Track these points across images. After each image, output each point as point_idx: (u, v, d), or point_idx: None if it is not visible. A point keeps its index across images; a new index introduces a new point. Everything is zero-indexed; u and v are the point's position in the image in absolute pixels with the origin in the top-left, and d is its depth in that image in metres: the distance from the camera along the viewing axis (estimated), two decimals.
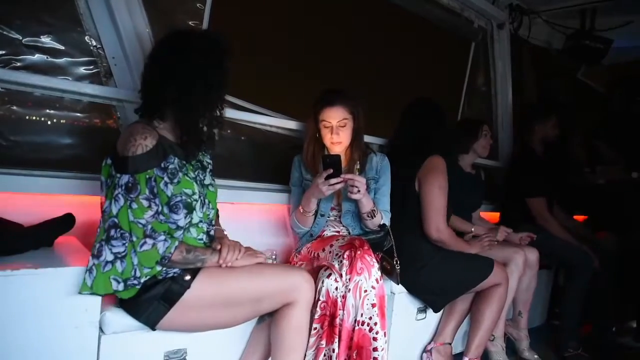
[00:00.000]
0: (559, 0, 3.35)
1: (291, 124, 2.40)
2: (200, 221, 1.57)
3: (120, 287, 1.37)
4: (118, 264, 1.37)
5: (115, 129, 1.93)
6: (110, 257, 1.36)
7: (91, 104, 1.88)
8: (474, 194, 2.83)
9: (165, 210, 1.45)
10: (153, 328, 1.46)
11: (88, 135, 1.89)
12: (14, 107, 1.73)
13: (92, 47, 1.84)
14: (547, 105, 3.25)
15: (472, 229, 2.64)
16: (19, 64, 1.71)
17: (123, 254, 1.38)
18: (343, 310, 1.72)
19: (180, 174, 1.49)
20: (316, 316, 1.71)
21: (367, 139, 2.51)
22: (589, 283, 2.80)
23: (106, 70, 1.88)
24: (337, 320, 1.72)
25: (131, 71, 1.89)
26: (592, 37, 3.42)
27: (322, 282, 1.73)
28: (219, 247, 1.55)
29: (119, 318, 1.44)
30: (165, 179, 1.45)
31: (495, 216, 3.24)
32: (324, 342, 1.71)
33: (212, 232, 1.65)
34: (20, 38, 1.70)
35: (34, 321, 1.30)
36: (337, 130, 2.01)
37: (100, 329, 1.42)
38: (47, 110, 1.80)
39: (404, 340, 2.27)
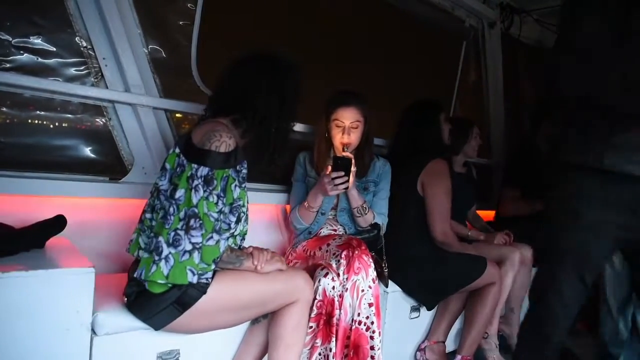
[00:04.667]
0: None
1: None
2: (239, 234, 1.60)
3: (195, 279, 1.36)
4: (195, 254, 1.36)
5: (106, 130, 1.93)
6: (189, 247, 1.35)
7: (82, 105, 1.87)
8: (466, 193, 2.85)
9: (226, 210, 1.47)
10: (157, 329, 1.45)
11: (78, 136, 1.88)
12: (4, 109, 1.71)
13: (82, 48, 1.83)
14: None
15: (469, 234, 2.67)
16: (8, 65, 1.69)
17: (199, 245, 1.37)
18: (340, 309, 1.73)
19: (245, 183, 1.55)
20: (312, 315, 1.71)
21: None
22: None
23: (97, 71, 1.87)
24: (334, 320, 1.73)
25: (122, 72, 1.89)
26: None
27: (319, 281, 1.74)
28: (250, 250, 1.59)
29: (111, 319, 1.43)
30: (237, 182, 1.48)
31: (489, 214, 3.25)
32: (319, 340, 1.73)
33: (242, 246, 1.67)
34: (10, 39, 1.69)
35: (25, 323, 1.28)
36: (349, 130, 2.01)
37: (93, 331, 1.41)
38: (38, 112, 1.79)
39: (398, 338, 2.27)
